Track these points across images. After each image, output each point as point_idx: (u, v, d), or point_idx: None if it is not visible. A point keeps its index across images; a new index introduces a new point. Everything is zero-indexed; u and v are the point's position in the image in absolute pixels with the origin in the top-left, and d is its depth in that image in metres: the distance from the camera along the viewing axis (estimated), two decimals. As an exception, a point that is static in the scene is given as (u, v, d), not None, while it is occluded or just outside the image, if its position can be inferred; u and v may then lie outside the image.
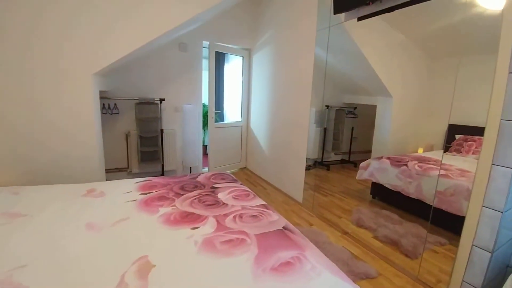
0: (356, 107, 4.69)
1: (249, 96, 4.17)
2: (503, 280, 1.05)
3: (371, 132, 4.32)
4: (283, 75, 3.39)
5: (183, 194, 1.73)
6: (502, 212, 1.09)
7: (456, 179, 2.30)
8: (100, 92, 2.57)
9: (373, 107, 4.29)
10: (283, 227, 1.32)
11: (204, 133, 4.88)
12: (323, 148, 4.55)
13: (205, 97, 3.93)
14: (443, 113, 4.19)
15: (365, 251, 2.06)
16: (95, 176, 2.32)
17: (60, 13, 2.02)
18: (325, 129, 4.53)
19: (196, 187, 1.89)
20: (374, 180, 3.02)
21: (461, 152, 3.30)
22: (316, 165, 4.54)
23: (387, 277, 1.78)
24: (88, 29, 2.10)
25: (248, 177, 3.84)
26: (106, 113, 3.01)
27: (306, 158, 4.46)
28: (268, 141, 3.70)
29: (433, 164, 2.72)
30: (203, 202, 1.61)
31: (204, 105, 4.12)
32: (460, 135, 3.51)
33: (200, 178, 2.09)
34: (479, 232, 1.17)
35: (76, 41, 2.09)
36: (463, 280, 1.24)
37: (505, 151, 1.07)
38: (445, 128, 4.03)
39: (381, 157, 3.06)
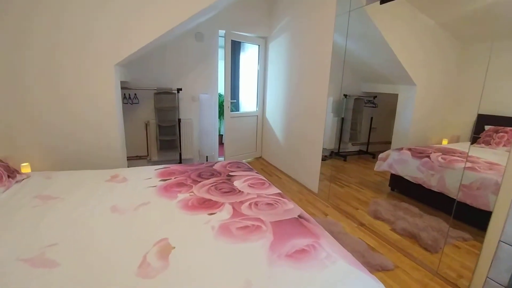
0: (376, 96, 4.53)
1: (264, 85, 4.13)
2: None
3: (391, 123, 4.17)
4: (299, 63, 3.32)
5: (200, 181, 1.77)
6: None
7: (484, 172, 2.19)
8: (121, 82, 2.64)
9: (394, 96, 4.13)
10: (298, 216, 1.32)
11: (220, 123, 4.92)
12: (340, 138, 4.47)
13: (221, 87, 3.93)
14: (472, 102, 3.96)
15: (382, 243, 2.03)
16: (118, 163, 2.41)
17: (83, 6, 2.06)
18: (342, 119, 4.43)
19: (212, 174, 1.92)
20: (393, 172, 2.93)
21: (490, 144, 3.12)
22: (333, 155, 4.47)
23: (404, 269, 1.75)
24: (110, 21, 2.15)
25: (264, 167, 3.85)
26: (127, 103, 3.09)
27: (323, 148, 4.41)
28: (284, 130, 3.67)
29: (458, 156, 2.60)
30: (220, 189, 1.63)
31: (220, 95, 4.14)
32: (490, 126, 3.32)
33: (216, 166, 2.12)
34: (507, 227, 1.12)
35: (99, 33, 2.15)
36: (487, 277, 1.19)
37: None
38: (474, 118, 3.82)
39: (402, 148, 2.96)
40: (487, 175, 2.14)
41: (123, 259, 0.98)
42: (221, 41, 3.68)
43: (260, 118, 4.23)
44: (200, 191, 1.62)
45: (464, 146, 3.28)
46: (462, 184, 2.25)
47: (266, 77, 4.09)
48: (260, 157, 4.30)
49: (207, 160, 3.83)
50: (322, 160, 4.19)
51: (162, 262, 0.97)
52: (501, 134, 3.03)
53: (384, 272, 1.71)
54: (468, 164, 2.38)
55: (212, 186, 1.69)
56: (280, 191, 1.62)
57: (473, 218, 2.01)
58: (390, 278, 1.67)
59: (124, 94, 3.05)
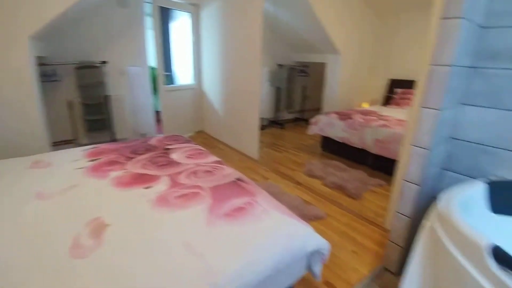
0: (307, 66, 4.78)
1: (199, 56, 3.96)
2: (429, 209, 1.25)
3: (322, 90, 4.50)
4: (232, 33, 3.25)
5: (134, 158, 1.67)
6: (429, 150, 1.26)
7: (394, 128, 2.56)
8: (38, 58, 2.26)
9: (323, 65, 4.41)
10: (237, 179, 1.37)
11: (157, 99, 4.61)
12: (277, 107, 4.65)
13: (153, 59, 3.63)
14: (386, 69, 4.49)
15: (315, 197, 2.26)
16: (40, 149, 2.12)
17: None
18: (278, 88, 4.59)
19: (148, 150, 1.83)
20: (323, 134, 3.22)
21: (399, 105, 3.65)
22: (271, 124, 4.67)
23: (334, 216, 2.01)
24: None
25: (205, 140, 3.81)
26: (46, 81, 2.63)
27: (261, 117, 4.54)
28: (223, 102, 3.65)
29: (375, 116, 2.97)
30: (156, 163, 1.58)
31: (152, 68, 3.83)
32: (398, 89, 3.85)
33: (152, 141, 2.02)
34: (409, 168, 1.35)
35: (8, 2, 1.78)
36: (396, 211, 1.44)
37: (432, 93, 1.21)
38: (386, 82, 4.35)
39: (329, 113, 3.24)
40: (396, 130, 2.51)
41: (53, 243, 0.91)
42: (148, 8, 3.33)
43: (198, 90, 4.09)
44: (134, 166, 1.54)
45: (379, 108, 3.75)
46: (378, 139, 2.61)
47: (201, 48, 3.91)
48: (202, 131, 4.23)
49: (143, 138, 3.60)
50: (261, 129, 4.33)
51: (96, 240, 0.93)
52: (408, 95, 3.56)
53: (317, 221, 1.94)
54: (382, 122, 2.75)
55: (148, 160, 1.62)
56: (219, 159, 1.65)
57: (387, 167, 2.38)
58: (323, 225, 1.90)
59: (42, 71, 2.59)
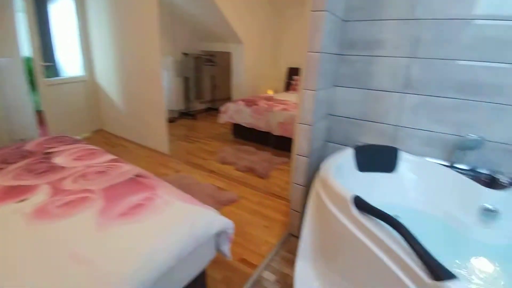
0: (214, 55, 4.77)
1: (88, 43, 3.45)
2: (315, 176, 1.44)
3: (230, 79, 4.59)
4: (126, 18, 2.94)
5: (4, 168, 1.36)
6: (311, 126, 1.44)
7: (292, 111, 2.84)
8: None
9: (229, 55, 4.49)
10: (135, 175, 1.29)
11: (38, 95, 3.81)
12: (187, 98, 4.52)
13: (28, 48, 2.94)
14: (284, 58, 4.87)
15: (228, 183, 2.34)
16: None
17: None
18: (186, 78, 4.45)
19: (24, 157, 1.51)
20: (233, 122, 3.32)
21: (296, 90, 4.06)
22: (183, 115, 4.52)
23: (246, 197, 2.13)
24: None
25: (106, 140, 3.41)
26: None
27: (171, 109, 4.34)
28: (122, 96, 3.31)
29: (277, 102, 3.23)
30: (33, 170, 1.33)
31: (28, 59, 3.12)
32: (295, 76, 4.26)
33: (29, 146, 1.68)
34: (299, 144, 1.53)
35: None
36: (293, 183, 1.62)
37: (309, 77, 1.39)
38: (285, 70, 4.74)
39: (237, 100, 3.35)
40: (294, 113, 2.79)
41: None
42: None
43: (90, 83, 3.57)
44: (4, 179, 1.25)
45: (282, 94, 4.08)
46: (280, 122, 2.85)
47: (89, 34, 3.40)
48: (101, 129, 3.75)
49: (21, 145, 2.95)
50: (170, 121, 4.15)
51: None
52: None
53: (231, 205, 2.02)
54: (283, 106, 3.01)
55: (23, 169, 1.35)
56: (115, 157, 1.51)
57: (289, 146, 2.65)
58: (237, 208, 1.99)
59: None
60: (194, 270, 1.05)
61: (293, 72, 4.36)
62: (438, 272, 0.65)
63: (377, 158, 1.42)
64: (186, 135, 3.68)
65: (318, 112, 1.48)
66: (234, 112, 3.25)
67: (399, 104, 1.47)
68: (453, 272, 0.65)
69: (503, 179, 1.22)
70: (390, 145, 1.51)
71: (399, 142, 1.51)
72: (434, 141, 1.42)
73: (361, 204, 0.93)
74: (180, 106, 4.51)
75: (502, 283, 1.05)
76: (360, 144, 1.48)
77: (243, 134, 3.37)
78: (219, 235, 1.09)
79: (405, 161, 1.39)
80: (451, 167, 1.34)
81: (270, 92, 4.25)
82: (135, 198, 1.08)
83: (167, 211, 1.00)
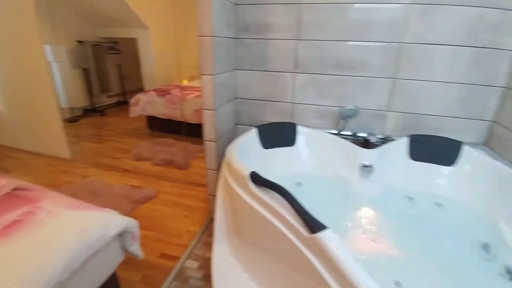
0: (117, 42, 4.29)
1: None
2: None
3: (140, 68, 4.23)
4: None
5: None
6: (214, 110, 1.45)
7: (207, 97, 2.81)
8: None
9: (135, 41, 4.11)
10: (13, 189, 1.10)
11: None
12: (90, 92, 4.00)
13: None
14: (197, 44, 4.70)
15: (145, 179, 2.21)
16: None
17: None
18: (85, 70, 3.91)
19: None
20: (147, 114, 3.11)
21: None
22: (88, 113, 4.00)
23: (165, 191, 2.06)
24: None
25: (-14, 152, 2.78)
26: None
27: (72, 107, 3.79)
28: (1, 99, 2.71)
29: (191, 90, 3.14)
30: None
31: None
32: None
33: None
34: (206, 129, 1.53)
35: None
36: (207, 168, 1.63)
37: (205, 62, 1.38)
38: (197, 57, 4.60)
39: (148, 91, 3.14)
40: (209, 98, 2.77)
41: None
42: None
43: None
44: None
45: (197, 81, 3.97)
46: (196, 110, 2.81)
47: None
48: (-24, 140, 3.03)
49: None
50: (72, 121, 3.65)
51: None
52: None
53: (149, 201, 1.92)
54: (197, 93, 2.95)
55: None
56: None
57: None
58: (154, 204, 1.91)
59: None
60: (98, 278, 0.98)
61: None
62: (313, 226, 0.76)
63: (279, 135, 1.54)
64: (94, 134, 3.29)
65: (220, 96, 1.50)
66: (146, 104, 3.04)
67: (292, 83, 1.61)
68: (325, 224, 0.77)
69: (373, 139, 1.48)
70: (290, 121, 1.65)
71: (296, 117, 1.67)
72: (323, 114, 1.62)
73: (256, 179, 1.00)
74: (83, 102, 3.98)
75: (379, 224, 1.29)
76: (263, 123, 1.58)
77: (159, 126, 3.20)
78: (122, 236, 1.04)
79: (301, 134, 1.55)
80: (338, 134, 1.56)
81: (185, 82, 4.09)
82: (10, 216, 0.92)
83: (51, 224, 0.89)
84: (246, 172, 1.03)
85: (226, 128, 1.66)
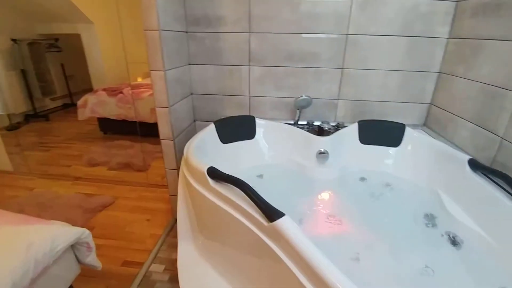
0: (58, 39, 3.91)
1: None
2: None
3: (87, 67, 3.92)
4: None
5: None
6: (168, 108, 1.40)
7: (163, 94, 2.70)
8: None
9: (79, 37, 3.78)
10: None
11: None
12: (30, 96, 3.61)
13: None
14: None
15: (100, 186, 2.08)
16: None
17: None
18: (23, 71, 3.50)
19: None
20: (98, 116, 2.91)
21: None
22: (30, 119, 3.61)
23: (124, 196, 1.95)
24: None
25: None
26: None
27: (10, 114, 3.39)
28: None
29: (145, 87, 2.99)
30: None
31: None
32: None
33: None
34: (161, 128, 1.47)
35: None
36: (166, 168, 1.57)
37: (153, 57, 1.31)
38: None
39: (97, 90, 2.92)
40: (165, 96, 2.67)
41: None
42: None
43: None
44: None
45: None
46: (152, 108, 2.68)
47: None
48: None
49: None
50: (11, 129, 3.28)
51: None
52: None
53: (106, 209, 1.81)
54: (152, 91, 2.82)
55: None
56: None
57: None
58: (112, 210, 1.81)
59: None
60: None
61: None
62: (271, 214, 0.78)
63: (238, 128, 1.54)
64: (38, 142, 2.99)
65: (174, 92, 1.45)
66: (96, 105, 2.83)
67: (248, 76, 1.61)
68: (282, 212, 0.79)
69: (327, 127, 1.55)
70: (248, 114, 1.65)
71: (254, 110, 1.68)
72: (280, 105, 1.65)
73: (214, 174, 0.99)
74: (23, 107, 3.58)
75: (337, 205, 1.37)
76: (221, 117, 1.56)
77: (113, 128, 3.01)
78: (76, 248, 0.97)
79: (260, 126, 1.57)
80: (295, 124, 1.61)
81: (140, 79, 3.88)
82: None
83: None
84: (204, 168, 1.02)
85: (184, 125, 1.62)
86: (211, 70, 1.64)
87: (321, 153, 1.47)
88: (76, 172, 2.26)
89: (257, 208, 0.83)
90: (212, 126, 1.47)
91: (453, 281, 0.95)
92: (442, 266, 0.99)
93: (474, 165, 1.16)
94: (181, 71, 1.53)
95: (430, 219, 1.20)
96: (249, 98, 1.67)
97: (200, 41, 1.58)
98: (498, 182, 1.05)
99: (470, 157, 1.19)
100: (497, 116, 1.14)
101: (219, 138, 1.46)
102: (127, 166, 2.32)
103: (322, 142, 1.48)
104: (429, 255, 1.04)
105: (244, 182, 0.89)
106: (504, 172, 1.03)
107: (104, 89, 2.89)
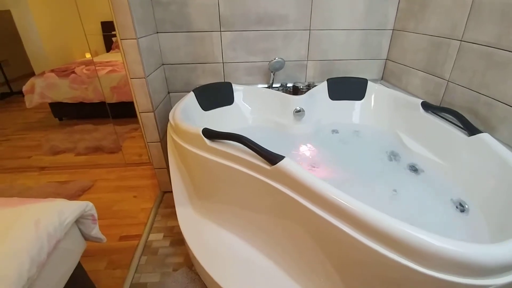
0: (-22, 17, 3.33)
1: None
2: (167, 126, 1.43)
3: (23, 48, 3.45)
4: None
5: None
6: (145, 78, 1.37)
7: (122, 71, 2.54)
8: None
9: (8, 15, 3.27)
10: None
11: None
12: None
13: None
14: (95, 10, 4.03)
15: (73, 172, 1.98)
16: None
17: None
18: None
19: None
20: (49, 101, 2.65)
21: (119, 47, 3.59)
22: (-38, 114, 3.14)
23: (102, 178, 1.90)
24: None
25: None
26: None
27: None
28: None
29: (100, 65, 2.77)
30: None
31: None
32: (114, 32, 3.70)
33: None
34: (139, 101, 1.44)
35: None
36: (147, 142, 1.56)
37: (123, 24, 1.25)
38: (98, 26, 4.02)
39: (44, 73, 2.64)
40: (124, 73, 2.52)
41: None
42: None
43: None
44: None
45: (104, 55, 3.51)
46: (113, 86, 2.53)
47: None
48: None
49: None
50: None
51: None
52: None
53: (86, 193, 1.75)
54: (110, 68, 2.64)
55: None
56: None
57: (133, 110, 2.44)
58: (94, 193, 1.76)
59: None
60: (65, 269, 0.92)
61: (111, 26, 3.75)
62: (273, 158, 0.87)
63: (217, 95, 1.58)
64: (-19, 137, 2.65)
65: (147, 62, 1.41)
66: (45, 89, 2.56)
67: (220, 42, 1.62)
68: (282, 155, 0.89)
69: (301, 85, 1.66)
70: (224, 81, 1.68)
71: (229, 77, 1.71)
72: (253, 70, 1.70)
73: (210, 134, 1.04)
74: None
75: (315, 155, 1.52)
76: (198, 86, 1.57)
77: (70, 112, 2.78)
78: (80, 222, 0.97)
79: (238, 91, 1.62)
80: (270, 87, 1.68)
81: (88, 56, 3.55)
82: None
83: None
84: (199, 131, 1.06)
85: (160, 97, 1.59)
86: (181, 38, 1.61)
87: (297, 111, 1.59)
88: (39, 162, 2.10)
89: (258, 156, 0.92)
90: (191, 94, 1.48)
91: (415, 199, 1.17)
92: (406, 189, 1.21)
93: (426, 106, 1.37)
94: (150, 39, 1.48)
95: (394, 155, 1.41)
96: (223, 65, 1.68)
97: (165, 6, 1.53)
98: (447, 118, 1.28)
99: (422, 100, 1.40)
100: (443, 63, 1.34)
101: (200, 106, 1.48)
102: (97, 149, 2.21)
103: (297, 101, 1.60)
104: (395, 183, 1.25)
105: (241, 135, 0.96)
106: (450, 108, 1.25)
107: (53, 70, 2.62)
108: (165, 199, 1.69)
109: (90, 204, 0.98)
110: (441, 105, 1.37)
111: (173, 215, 1.50)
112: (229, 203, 1.15)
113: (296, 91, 1.67)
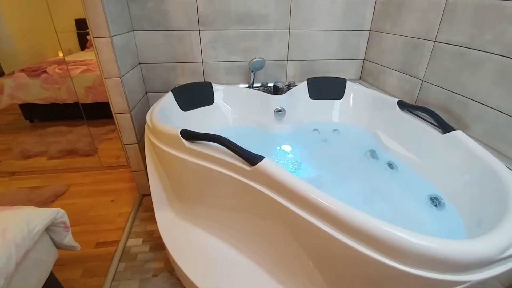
0: None
1: None
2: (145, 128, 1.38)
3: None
4: None
5: None
6: (120, 78, 1.32)
7: (97, 70, 2.44)
8: None
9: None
10: None
11: None
12: None
13: None
14: (68, 7, 3.85)
15: (46, 177, 1.87)
16: None
17: None
18: None
19: None
20: (19, 102, 2.50)
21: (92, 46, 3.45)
22: None
23: (77, 183, 1.81)
24: None
25: None
26: None
27: None
28: None
29: (73, 64, 2.65)
30: None
31: None
32: (87, 30, 3.55)
33: None
34: (115, 101, 1.38)
35: None
36: (124, 144, 1.51)
37: (95, 21, 1.20)
38: (73, 23, 3.84)
39: (13, 73, 2.49)
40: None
41: None
42: None
43: None
44: None
45: (78, 54, 3.36)
46: (88, 86, 2.43)
47: None
48: None
49: None
50: None
51: None
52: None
53: (59, 199, 1.67)
54: (84, 68, 2.53)
55: None
56: None
57: (109, 111, 2.34)
58: (68, 199, 1.68)
59: None
60: (36, 281, 0.86)
61: (85, 24, 3.60)
62: (252, 159, 0.86)
63: (196, 95, 1.54)
64: None
65: (123, 61, 1.36)
66: (14, 90, 2.42)
67: (199, 41, 1.59)
68: (262, 155, 0.88)
69: (282, 85, 1.66)
70: (204, 80, 1.65)
71: (208, 76, 1.68)
72: (234, 69, 1.69)
73: (188, 135, 1.02)
74: None
75: (296, 154, 1.53)
76: (177, 86, 1.53)
77: (41, 114, 2.64)
78: (51, 230, 0.92)
79: (218, 91, 1.59)
80: (251, 86, 1.67)
81: (61, 54, 3.38)
82: None
83: None
84: (177, 132, 1.03)
85: (137, 98, 1.54)
86: (158, 37, 1.56)
87: (278, 111, 1.59)
88: (9, 167, 1.98)
89: (238, 157, 0.90)
90: (170, 94, 1.44)
91: (393, 197, 1.20)
92: (385, 186, 1.24)
93: (402, 105, 1.41)
94: (125, 37, 1.42)
95: (372, 154, 1.45)
96: (202, 64, 1.65)
97: (142, 3, 1.47)
98: (422, 116, 1.32)
99: (399, 99, 1.44)
100: (418, 63, 1.38)
101: (179, 106, 1.45)
102: (71, 152, 2.11)
103: (278, 101, 1.60)
104: (374, 180, 1.28)
105: (220, 136, 0.95)
106: (425, 106, 1.29)
107: (23, 70, 2.47)
108: (144, 203, 1.64)
109: (62, 211, 0.92)
110: (416, 104, 1.42)
111: (152, 219, 1.45)
112: (209, 205, 1.13)
113: (276, 90, 1.66)
